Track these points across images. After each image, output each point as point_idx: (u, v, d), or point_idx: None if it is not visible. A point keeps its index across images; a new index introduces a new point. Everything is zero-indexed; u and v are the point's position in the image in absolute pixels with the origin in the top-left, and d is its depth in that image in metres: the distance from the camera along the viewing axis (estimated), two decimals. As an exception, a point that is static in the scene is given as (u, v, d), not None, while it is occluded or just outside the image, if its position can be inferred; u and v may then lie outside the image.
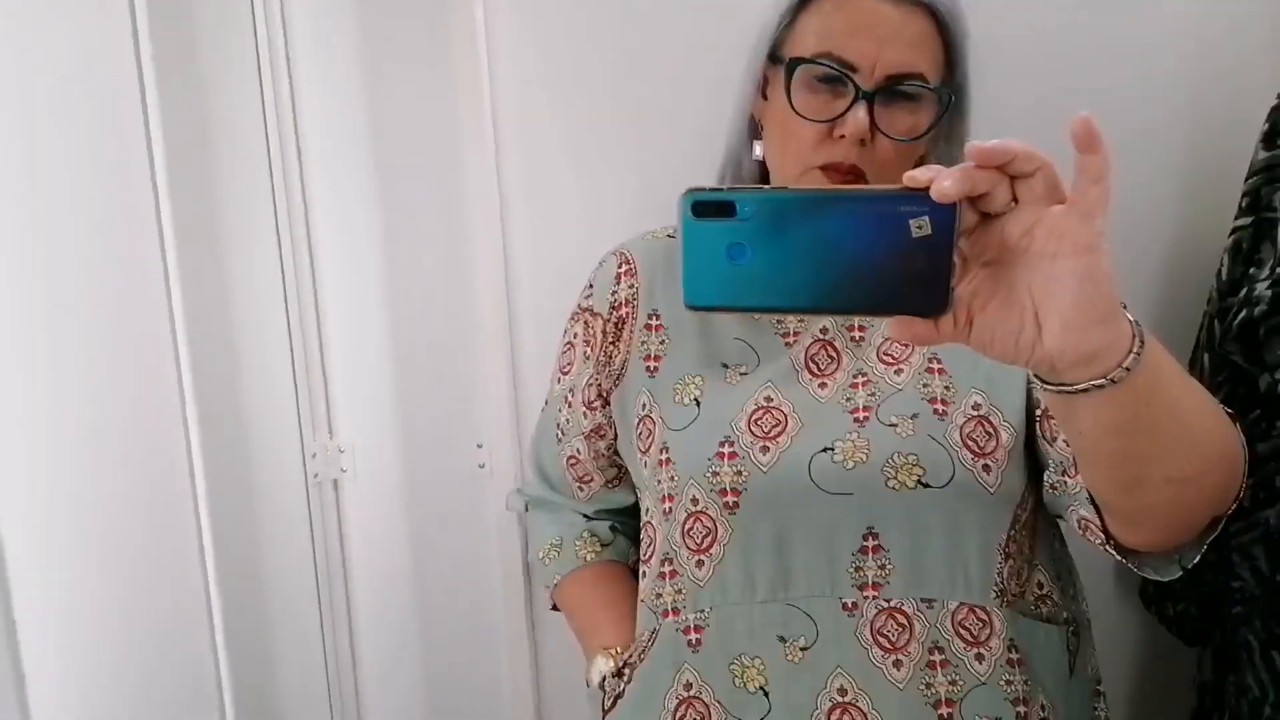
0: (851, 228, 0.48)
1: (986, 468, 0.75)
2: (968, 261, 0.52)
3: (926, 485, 0.75)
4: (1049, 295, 0.50)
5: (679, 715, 0.81)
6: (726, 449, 0.79)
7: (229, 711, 1.04)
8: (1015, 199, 0.50)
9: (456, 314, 1.21)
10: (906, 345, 0.82)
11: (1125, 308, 0.53)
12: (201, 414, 1.03)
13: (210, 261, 1.09)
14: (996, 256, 0.51)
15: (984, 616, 0.76)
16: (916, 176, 0.48)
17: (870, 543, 0.77)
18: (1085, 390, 0.53)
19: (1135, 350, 0.52)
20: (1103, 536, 0.70)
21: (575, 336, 0.95)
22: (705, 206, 0.49)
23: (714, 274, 0.50)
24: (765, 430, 0.79)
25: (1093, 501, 0.70)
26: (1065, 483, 0.75)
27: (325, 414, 1.23)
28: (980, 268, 0.52)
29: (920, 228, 0.48)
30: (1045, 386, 0.55)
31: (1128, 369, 0.52)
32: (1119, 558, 0.71)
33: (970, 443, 0.76)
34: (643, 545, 0.88)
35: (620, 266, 0.92)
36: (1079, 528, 0.74)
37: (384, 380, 1.24)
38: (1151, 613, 1.08)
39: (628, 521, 1.01)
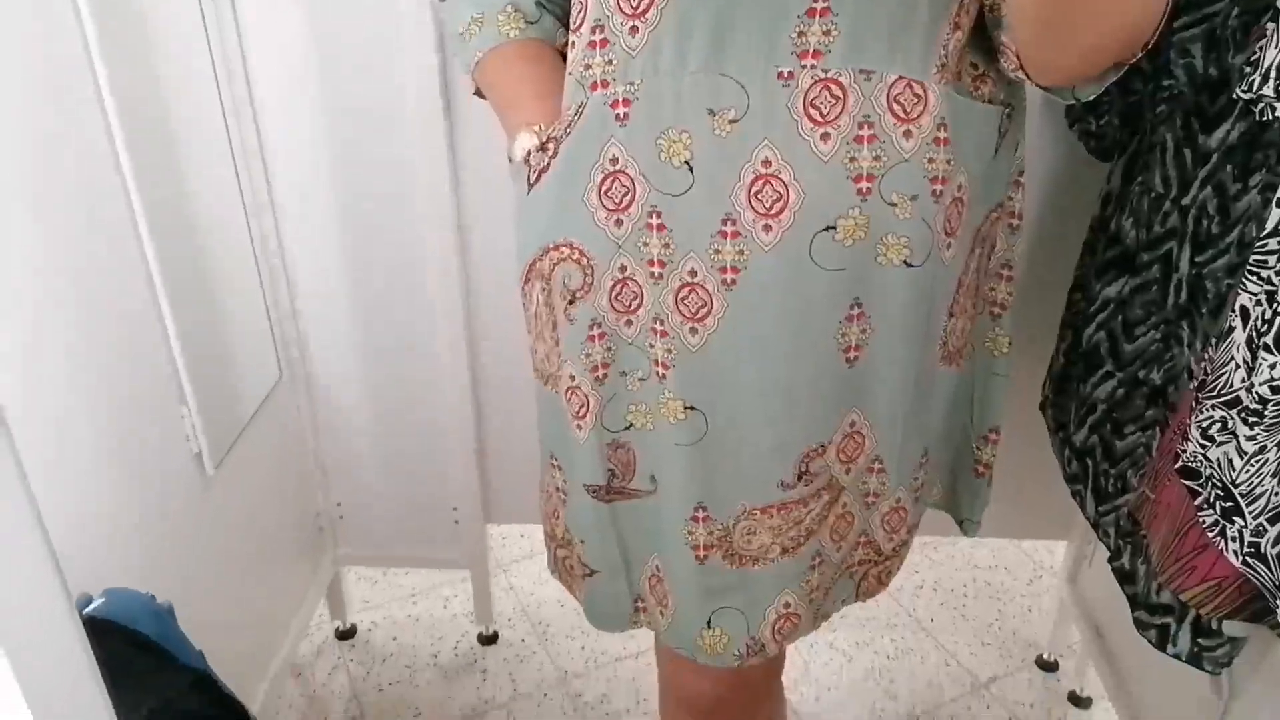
0: None
1: None
2: None
3: None
4: None
5: (604, 189, 0.81)
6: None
7: (135, 207, 1.01)
8: None
9: None
10: None
11: None
12: None
13: None
14: None
15: (920, 92, 0.75)
16: None
17: (819, 4, 0.72)
18: None
19: None
20: (1016, 63, 0.75)
21: None
22: None
23: None
24: None
25: None
26: (998, 6, 0.75)
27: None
28: None
29: None
30: None
31: None
32: (1029, 80, 0.76)
33: None
34: (573, 13, 0.82)
35: None
36: (998, 49, 0.77)
37: None
38: (1074, 130, 1.10)
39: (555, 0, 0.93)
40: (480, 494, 1.53)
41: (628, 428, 0.89)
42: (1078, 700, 1.55)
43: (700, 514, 0.87)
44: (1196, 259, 0.85)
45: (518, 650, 1.67)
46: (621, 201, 0.80)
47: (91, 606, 0.75)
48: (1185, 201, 0.87)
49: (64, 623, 0.41)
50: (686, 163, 0.77)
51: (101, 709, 0.44)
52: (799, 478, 0.86)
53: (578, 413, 0.89)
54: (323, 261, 1.37)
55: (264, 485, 1.37)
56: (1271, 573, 0.71)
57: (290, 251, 1.36)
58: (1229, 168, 0.81)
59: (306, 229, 1.34)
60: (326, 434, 1.51)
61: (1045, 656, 1.63)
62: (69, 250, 0.93)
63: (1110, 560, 0.99)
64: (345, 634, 1.71)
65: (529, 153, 0.84)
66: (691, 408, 0.85)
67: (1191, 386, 0.79)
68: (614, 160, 0.79)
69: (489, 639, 1.69)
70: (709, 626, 0.90)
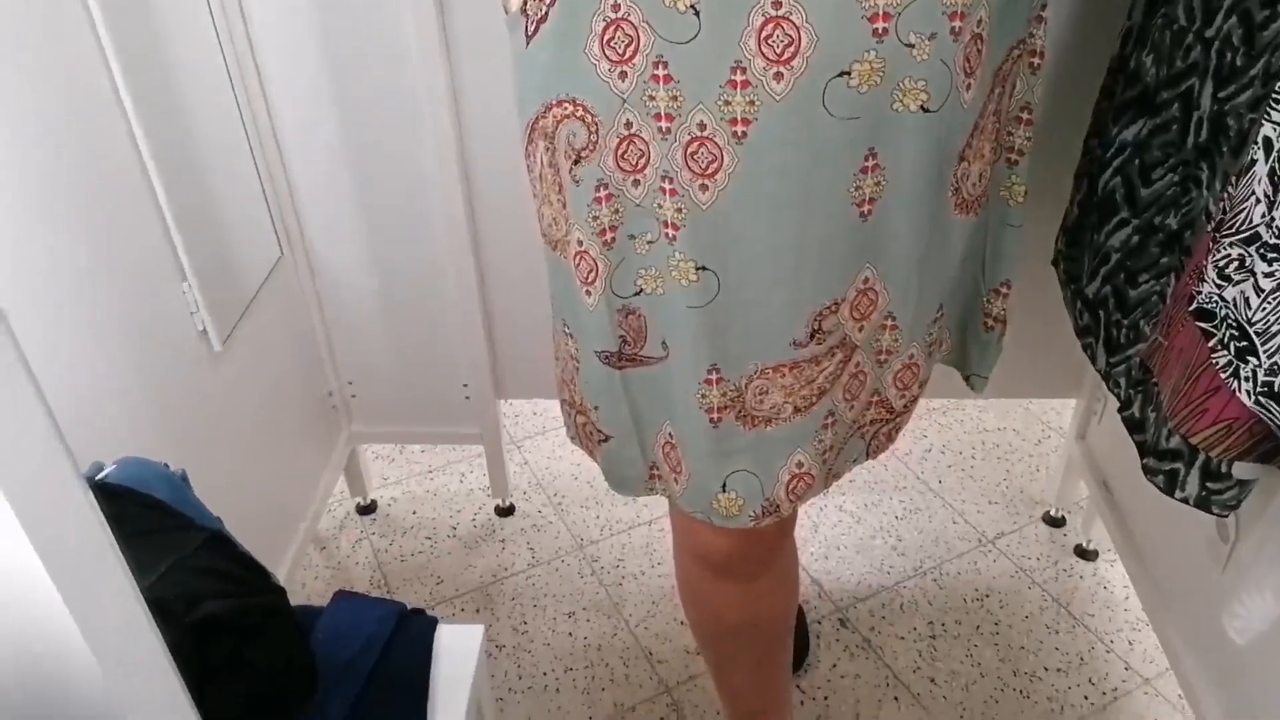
0: None
1: None
2: None
3: None
4: None
5: (606, 39, 0.77)
6: None
7: (119, 85, 0.98)
8: None
9: None
10: None
11: None
12: None
13: None
14: None
15: (936, -77, 0.71)
16: None
17: None
18: None
19: None
20: None
21: None
22: None
23: None
24: None
25: None
26: None
27: None
28: None
29: None
30: None
31: None
32: None
33: None
34: None
35: None
36: None
37: None
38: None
39: None
40: (490, 369, 1.53)
41: (638, 293, 0.88)
42: (1084, 553, 1.59)
43: (713, 375, 0.87)
44: (1219, 94, 0.82)
45: (534, 521, 1.71)
46: (625, 52, 0.77)
47: (104, 473, 0.76)
48: (1209, 33, 0.83)
49: (67, 479, 0.41)
50: (692, 6, 0.74)
51: (114, 564, 0.44)
52: (811, 336, 0.86)
53: (586, 278, 0.88)
54: (316, 136, 1.33)
55: (273, 363, 1.38)
56: (1284, 411, 0.71)
57: (282, 127, 1.33)
58: (1258, -6, 0.77)
59: (297, 103, 1.31)
60: (332, 312, 1.50)
61: (1052, 512, 1.66)
62: (57, 131, 0.91)
63: (1120, 410, 1.00)
64: (366, 509, 1.75)
65: (525, 1, 0.81)
66: (703, 268, 0.83)
67: (1209, 228, 0.78)
68: (615, 7, 0.76)
69: (506, 511, 1.73)
70: (724, 490, 0.91)
